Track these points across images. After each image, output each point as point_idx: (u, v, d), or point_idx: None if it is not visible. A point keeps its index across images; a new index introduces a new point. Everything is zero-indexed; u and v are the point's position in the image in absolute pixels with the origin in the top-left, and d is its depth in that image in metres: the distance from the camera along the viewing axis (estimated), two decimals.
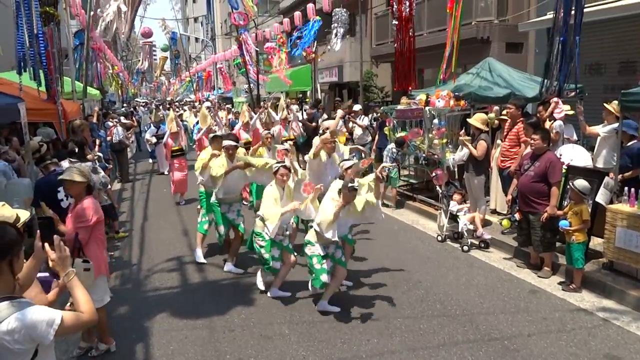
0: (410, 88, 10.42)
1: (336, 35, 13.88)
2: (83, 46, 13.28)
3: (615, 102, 6.60)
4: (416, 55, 10.38)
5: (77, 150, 6.58)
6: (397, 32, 10.43)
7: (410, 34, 10.22)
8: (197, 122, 11.67)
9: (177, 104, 27.60)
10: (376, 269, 6.25)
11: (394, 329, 4.71)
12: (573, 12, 6.64)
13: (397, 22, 10.37)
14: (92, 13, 11.46)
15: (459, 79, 9.47)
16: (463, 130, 7.93)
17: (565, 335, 4.51)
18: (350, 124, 11.58)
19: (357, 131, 11.62)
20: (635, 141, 6.18)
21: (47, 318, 1.99)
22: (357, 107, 12.50)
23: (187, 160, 10.56)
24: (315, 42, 15.43)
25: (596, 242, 6.04)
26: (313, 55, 15.12)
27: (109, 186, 7.31)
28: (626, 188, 5.53)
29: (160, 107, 25.56)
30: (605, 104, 6.68)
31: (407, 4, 10.12)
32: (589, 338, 4.46)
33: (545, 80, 7.22)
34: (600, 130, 6.67)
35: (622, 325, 4.67)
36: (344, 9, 14.17)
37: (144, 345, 4.57)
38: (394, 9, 10.48)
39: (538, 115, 7.15)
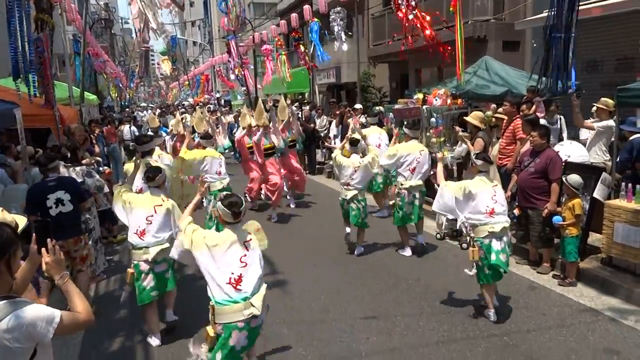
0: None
1: (339, 35, 14.03)
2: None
3: (604, 99, 6.64)
4: (413, 56, 10.22)
5: (69, 155, 6.55)
6: (405, 30, 10.10)
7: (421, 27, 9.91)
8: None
9: (182, 107, 27.46)
10: (375, 267, 6.26)
11: (393, 327, 4.71)
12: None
13: (402, 16, 9.95)
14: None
15: (454, 78, 9.45)
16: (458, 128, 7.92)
17: (565, 331, 4.51)
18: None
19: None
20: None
21: (46, 316, 1.99)
22: (357, 106, 12.84)
23: None
24: (313, 44, 15.52)
25: (595, 238, 6.04)
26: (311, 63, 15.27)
27: (107, 190, 7.29)
28: (623, 184, 5.53)
29: (163, 112, 25.51)
30: (594, 104, 6.73)
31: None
32: (588, 333, 4.46)
33: (546, 79, 7.19)
34: (596, 124, 6.68)
35: (621, 319, 4.67)
36: (341, 8, 14.26)
37: (144, 347, 4.58)
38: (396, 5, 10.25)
39: (521, 113, 7.16)
